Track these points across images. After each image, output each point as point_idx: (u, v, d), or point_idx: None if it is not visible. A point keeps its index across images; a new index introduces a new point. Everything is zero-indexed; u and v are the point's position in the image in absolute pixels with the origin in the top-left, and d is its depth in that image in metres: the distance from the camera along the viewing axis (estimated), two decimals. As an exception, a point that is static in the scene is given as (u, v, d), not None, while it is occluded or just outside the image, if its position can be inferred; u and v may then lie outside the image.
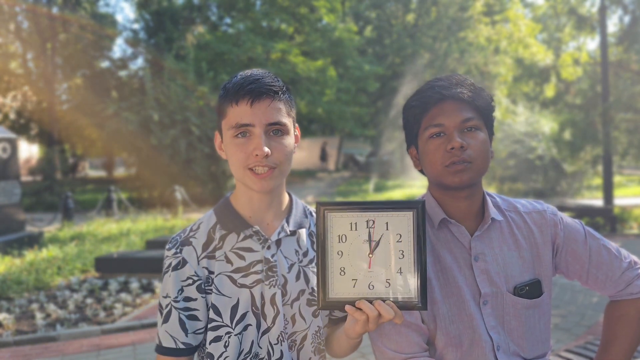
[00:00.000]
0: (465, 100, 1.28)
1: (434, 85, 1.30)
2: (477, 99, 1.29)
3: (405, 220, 1.14)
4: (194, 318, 1.25)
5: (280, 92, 1.25)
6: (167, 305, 1.25)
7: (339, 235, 1.14)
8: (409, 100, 1.36)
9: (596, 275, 1.38)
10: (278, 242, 1.30)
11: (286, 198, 1.38)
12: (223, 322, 1.25)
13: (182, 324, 1.24)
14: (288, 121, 1.26)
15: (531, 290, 1.32)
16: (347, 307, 1.12)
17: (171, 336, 1.24)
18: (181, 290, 1.24)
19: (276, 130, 1.23)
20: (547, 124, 15.94)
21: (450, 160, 1.25)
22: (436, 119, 1.28)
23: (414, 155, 1.39)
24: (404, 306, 1.12)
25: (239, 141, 1.22)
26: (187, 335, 1.24)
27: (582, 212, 9.62)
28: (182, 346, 1.24)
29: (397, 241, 1.13)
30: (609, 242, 1.40)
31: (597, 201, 13.15)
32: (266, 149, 1.20)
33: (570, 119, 12.53)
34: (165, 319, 1.25)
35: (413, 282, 1.13)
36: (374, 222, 1.14)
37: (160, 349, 1.26)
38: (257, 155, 1.20)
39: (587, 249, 1.37)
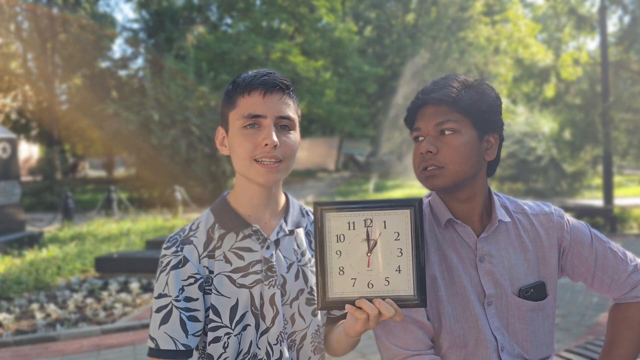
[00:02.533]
0: (445, 103, 1.27)
1: (420, 91, 1.34)
2: (463, 100, 1.27)
3: (403, 219, 1.14)
4: (194, 319, 1.22)
5: (290, 88, 1.28)
6: (167, 305, 1.20)
7: (337, 235, 1.14)
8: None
9: (602, 278, 1.38)
10: (277, 242, 1.30)
11: (283, 197, 1.38)
12: (222, 322, 1.23)
13: (182, 325, 1.20)
14: (295, 117, 1.28)
15: (536, 292, 1.33)
16: (348, 307, 1.11)
17: (171, 337, 1.19)
18: (182, 289, 1.21)
19: (285, 124, 1.25)
20: (547, 124, 15.94)
21: (422, 166, 1.28)
22: (416, 124, 1.32)
23: None
24: (403, 304, 1.12)
25: (248, 132, 1.22)
26: (187, 337, 1.20)
27: (582, 212, 9.62)
28: (181, 347, 1.19)
29: (395, 239, 1.13)
30: (614, 245, 1.40)
31: (597, 201, 13.15)
32: (276, 139, 1.20)
33: (570, 119, 12.53)
34: (165, 320, 1.19)
35: (412, 279, 1.13)
36: (371, 221, 1.14)
37: (157, 352, 1.19)
38: (266, 145, 1.20)
39: (593, 252, 1.37)
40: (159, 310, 1.21)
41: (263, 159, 1.22)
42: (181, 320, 1.20)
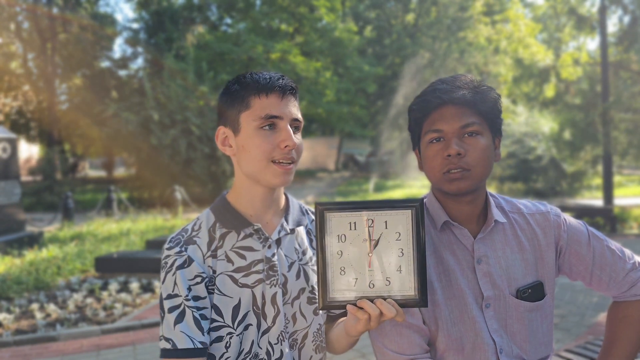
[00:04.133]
0: (467, 105, 1.25)
1: (436, 89, 1.28)
2: (480, 102, 1.26)
3: (404, 219, 1.14)
4: (204, 317, 1.22)
5: (297, 93, 1.31)
6: (179, 305, 1.20)
7: (338, 235, 1.14)
8: (412, 103, 1.34)
9: (600, 276, 1.36)
10: (278, 241, 1.30)
11: (283, 197, 1.38)
12: (224, 322, 1.24)
13: (197, 323, 1.20)
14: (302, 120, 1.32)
15: (534, 293, 1.31)
16: (349, 307, 1.12)
17: (188, 336, 1.18)
18: (189, 289, 1.21)
19: (296, 126, 1.27)
20: (547, 124, 15.94)
21: (447, 168, 1.24)
22: (435, 124, 1.26)
23: (418, 156, 1.38)
24: (404, 304, 1.12)
25: (265, 132, 1.22)
26: (203, 334, 1.20)
27: (582, 212, 9.61)
28: (199, 345, 1.19)
29: (397, 239, 1.13)
30: (613, 243, 1.39)
31: (597, 201, 13.15)
32: (296, 141, 1.23)
33: (570, 119, 12.52)
34: (179, 319, 1.19)
35: (413, 279, 1.13)
36: (373, 221, 1.14)
37: (174, 352, 1.17)
38: (286, 146, 1.22)
39: (591, 250, 1.36)
40: (171, 310, 1.20)
41: (281, 160, 1.23)
42: (195, 318, 1.20)
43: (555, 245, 1.36)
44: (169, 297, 1.21)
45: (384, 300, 1.11)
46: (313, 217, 1.41)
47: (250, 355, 1.25)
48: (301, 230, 1.37)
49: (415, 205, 1.14)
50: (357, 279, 1.13)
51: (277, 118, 1.23)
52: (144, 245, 8.08)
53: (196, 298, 1.22)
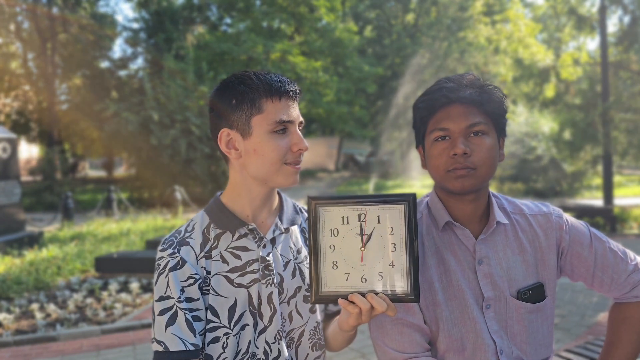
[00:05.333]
0: (474, 104, 1.25)
1: (442, 87, 1.27)
2: (486, 102, 1.26)
3: (397, 213, 1.13)
4: (198, 319, 1.22)
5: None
6: (171, 307, 1.19)
7: (331, 229, 1.14)
8: (417, 101, 1.34)
9: (601, 278, 1.36)
10: (273, 240, 1.31)
11: (277, 196, 1.38)
12: (221, 323, 1.23)
13: (189, 325, 1.19)
14: None
15: (534, 294, 1.31)
16: (340, 301, 1.12)
17: (180, 338, 1.18)
18: (182, 290, 1.20)
19: (300, 128, 1.30)
20: (547, 124, 15.95)
21: (453, 166, 1.24)
22: (441, 123, 1.26)
23: (422, 154, 1.38)
24: (396, 299, 1.12)
25: (279, 136, 1.24)
26: (195, 336, 1.20)
27: (582, 212, 9.61)
28: (191, 347, 1.18)
29: (389, 234, 1.13)
30: (614, 244, 1.38)
31: (597, 201, 13.16)
32: (307, 143, 1.27)
33: (570, 119, 12.53)
34: (171, 321, 1.18)
35: (405, 274, 1.13)
36: (365, 215, 1.14)
37: (166, 355, 1.17)
38: (299, 150, 1.25)
39: (593, 252, 1.35)
40: (162, 312, 1.20)
41: (292, 162, 1.25)
42: (187, 320, 1.19)
43: (556, 247, 1.36)
44: (161, 299, 1.21)
45: (376, 294, 1.11)
46: (307, 215, 1.41)
47: (248, 355, 1.25)
48: (295, 229, 1.38)
49: (408, 199, 1.14)
50: (349, 273, 1.14)
51: (289, 122, 1.24)
52: (144, 245, 8.08)
53: (189, 300, 1.21)
